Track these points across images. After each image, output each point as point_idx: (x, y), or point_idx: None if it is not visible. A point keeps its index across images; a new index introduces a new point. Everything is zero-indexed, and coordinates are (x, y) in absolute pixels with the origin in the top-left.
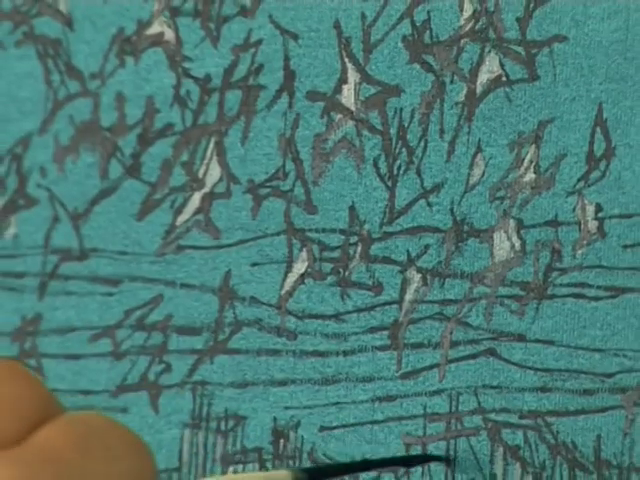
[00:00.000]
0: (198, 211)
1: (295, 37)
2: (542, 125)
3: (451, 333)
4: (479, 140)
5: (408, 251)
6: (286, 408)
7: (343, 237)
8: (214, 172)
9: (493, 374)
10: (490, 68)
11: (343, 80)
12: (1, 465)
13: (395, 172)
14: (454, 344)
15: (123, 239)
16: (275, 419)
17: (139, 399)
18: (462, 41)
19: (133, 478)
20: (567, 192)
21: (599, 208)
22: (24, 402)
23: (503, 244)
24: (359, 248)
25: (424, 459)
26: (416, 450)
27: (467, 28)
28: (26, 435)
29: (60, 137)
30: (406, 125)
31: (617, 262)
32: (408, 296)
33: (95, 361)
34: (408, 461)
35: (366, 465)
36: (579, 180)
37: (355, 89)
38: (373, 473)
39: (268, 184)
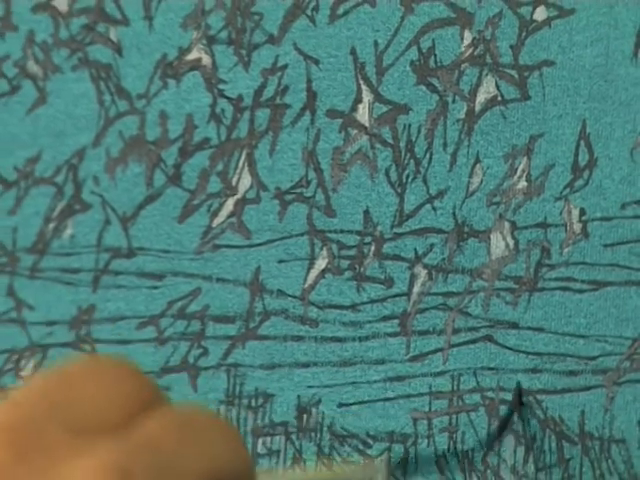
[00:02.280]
0: (231, 215)
1: (316, 62)
2: (533, 139)
3: (453, 321)
4: (478, 152)
5: (415, 249)
6: (309, 387)
7: (358, 237)
8: (245, 180)
9: (490, 357)
10: (487, 89)
11: (358, 100)
12: (104, 448)
13: (404, 180)
14: (456, 331)
15: (166, 239)
16: (299, 397)
17: (180, 379)
18: (462, 65)
19: (226, 465)
20: (555, 198)
21: (583, 212)
22: (129, 392)
23: (499, 243)
24: (372, 247)
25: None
26: (422, 425)
27: (467, 54)
28: (130, 422)
29: (111, 150)
30: (414, 139)
31: (599, 259)
32: (415, 289)
33: (142, 346)
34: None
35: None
36: (565, 187)
37: (369, 107)
38: (383, 444)
39: (293, 191)
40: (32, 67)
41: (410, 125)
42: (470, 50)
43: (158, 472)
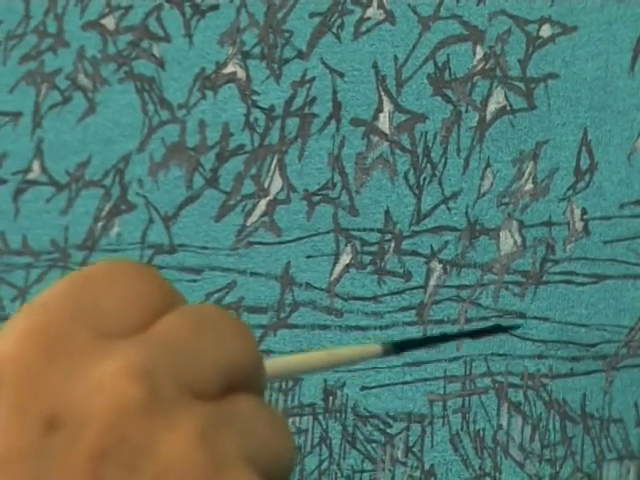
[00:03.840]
0: (264, 214)
1: (341, 75)
2: (539, 145)
3: (466, 312)
4: (488, 157)
5: (431, 246)
6: (334, 372)
7: (379, 235)
8: (277, 183)
9: (499, 344)
10: (497, 100)
11: (379, 109)
12: (127, 349)
13: (421, 183)
14: (468, 320)
15: (204, 236)
16: (325, 380)
17: None
18: (475, 78)
19: (239, 357)
20: (559, 199)
21: (584, 211)
22: (149, 295)
23: (507, 240)
24: (392, 244)
25: (490, 330)
26: (437, 406)
27: (479, 68)
28: (150, 324)
29: (154, 155)
30: (430, 145)
31: (599, 255)
32: (431, 282)
33: None
34: (477, 333)
35: (445, 338)
36: (568, 189)
37: (389, 117)
38: (400, 424)
39: (320, 192)
40: (82, 80)
41: (427, 132)
42: (482, 64)
43: (177, 369)
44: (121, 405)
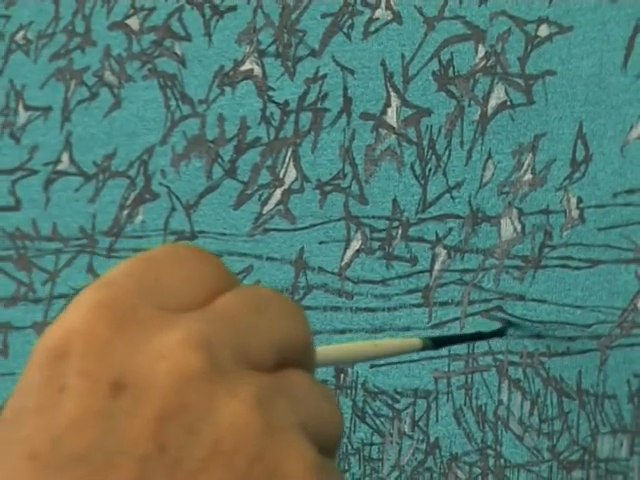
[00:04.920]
0: (279, 203)
1: (352, 72)
2: (537, 138)
3: (469, 294)
4: (490, 149)
5: (436, 232)
6: None
7: (388, 222)
8: (291, 173)
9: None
10: (498, 95)
11: (387, 104)
12: (188, 322)
13: (427, 173)
14: (471, 302)
15: (223, 224)
16: None
17: None
18: (477, 75)
19: (292, 334)
20: (556, 188)
21: (580, 200)
22: (208, 275)
23: (508, 227)
24: (400, 230)
25: (507, 327)
26: (442, 383)
27: (481, 65)
28: (209, 301)
29: (176, 147)
30: (435, 138)
31: (594, 241)
32: (436, 266)
33: None
34: (501, 331)
35: (477, 337)
36: (565, 179)
37: (397, 111)
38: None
39: (331, 182)
40: (109, 77)
41: (432, 126)
42: (483, 62)
43: (235, 341)
44: (183, 372)
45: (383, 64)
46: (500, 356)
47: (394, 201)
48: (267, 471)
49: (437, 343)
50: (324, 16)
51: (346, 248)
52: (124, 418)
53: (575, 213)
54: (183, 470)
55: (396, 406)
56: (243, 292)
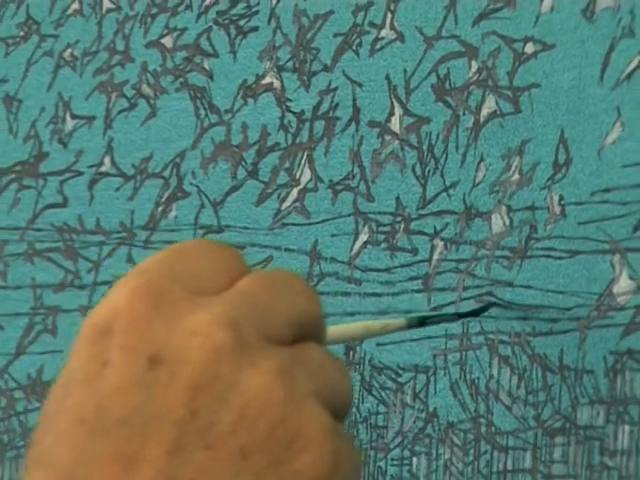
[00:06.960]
0: (296, 200)
1: (360, 85)
2: (524, 143)
3: (463, 281)
4: (482, 153)
5: (435, 227)
6: None
7: (391, 217)
8: (306, 175)
9: (492, 309)
10: (489, 105)
11: (391, 113)
12: (215, 305)
13: (426, 174)
14: (465, 288)
15: (246, 219)
16: None
17: None
18: (470, 87)
19: (307, 310)
20: (540, 187)
21: (562, 198)
22: (229, 263)
23: (498, 222)
24: (402, 225)
25: (486, 308)
26: (440, 359)
27: (474, 79)
28: (232, 284)
29: (205, 151)
30: (433, 143)
31: (574, 234)
32: (435, 257)
33: None
34: (479, 311)
35: (457, 316)
36: (548, 179)
37: (400, 119)
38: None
39: (342, 182)
40: (145, 89)
41: (431, 133)
42: (476, 76)
43: (257, 319)
44: (213, 347)
45: (387, 78)
46: (491, 335)
47: (397, 199)
48: (288, 433)
49: (420, 322)
50: (335, 35)
51: (355, 240)
52: (161, 388)
53: (557, 209)
54: (214, 432)
55: (399, 380)
56: (261, 275)
